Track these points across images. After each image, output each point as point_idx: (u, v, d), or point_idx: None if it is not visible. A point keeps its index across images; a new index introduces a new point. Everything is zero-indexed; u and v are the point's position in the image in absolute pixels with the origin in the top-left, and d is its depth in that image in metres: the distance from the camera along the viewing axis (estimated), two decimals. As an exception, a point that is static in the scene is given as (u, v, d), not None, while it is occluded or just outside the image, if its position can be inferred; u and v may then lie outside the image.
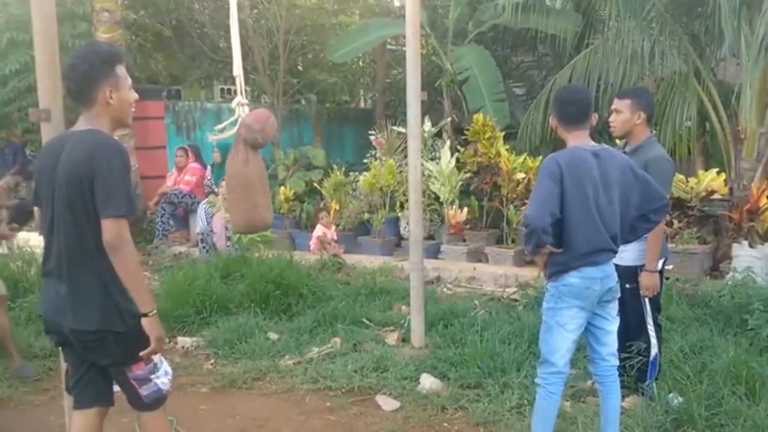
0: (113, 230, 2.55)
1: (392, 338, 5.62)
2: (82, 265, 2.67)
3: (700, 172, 7.63)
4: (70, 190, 2.62)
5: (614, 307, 3.50)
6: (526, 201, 8.11)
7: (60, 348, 2.99)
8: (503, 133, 8.84)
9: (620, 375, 4.10)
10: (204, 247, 8.49)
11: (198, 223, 8.77)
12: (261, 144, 4.37)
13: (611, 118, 4.18)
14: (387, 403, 4.43)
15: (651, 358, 4.10)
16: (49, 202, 2.71)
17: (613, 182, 3.32)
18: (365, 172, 9.64)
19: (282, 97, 12.48)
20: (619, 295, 3.52)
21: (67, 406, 3.39)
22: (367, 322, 5.99)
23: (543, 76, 11.97)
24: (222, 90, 14.13)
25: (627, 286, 4.08)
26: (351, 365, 4.93)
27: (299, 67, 13.66)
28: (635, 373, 4.11)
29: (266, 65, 12.22)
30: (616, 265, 4.06)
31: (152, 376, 2.82)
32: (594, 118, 3.47)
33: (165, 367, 2.89)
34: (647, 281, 4.03)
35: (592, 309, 3.40)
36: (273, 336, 5.68)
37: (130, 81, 2.81)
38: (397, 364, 4.90)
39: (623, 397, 4.18)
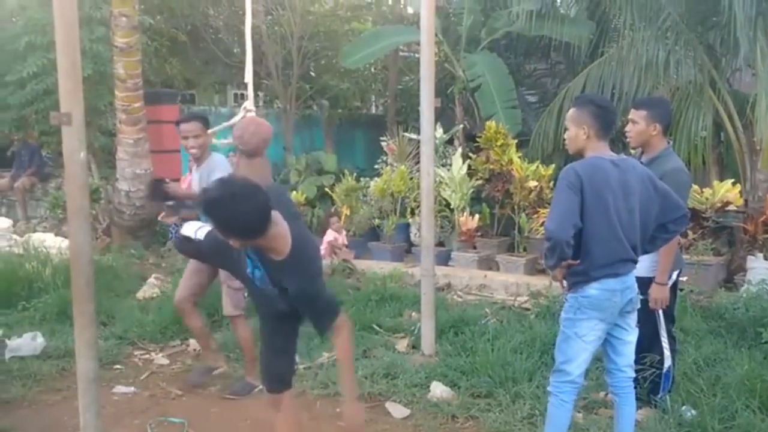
0: None
1: (402, 345, 5.62)
2: None
3: (715, 182, 7.59)
4: None
5: (634, 318, 3.48)
6: (538, 209, 8.10)
7: None
8: (516, 141, 8.84)
9: (634, 387, 4.10)
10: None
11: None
12: (243, 150, 4.43)
13: (627, 129, 4.17)
14: (397, 410, 4.43)
15: (664, 370, 4.08)
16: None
17: (632, 192, 3.31)
18: (376, 178, 9.65)
19: (294, 102, 12.53)
20: (639, 305, 3.51)
21: (81, 406, 3.41)
22: (377, 328, 5.99)
23: (556, 84, 11.95)
24: (236, 95, 14.21)
25: (640, 297, 4.08)
26: (361, 371, 4.93)
27: (312, 73, 13.71)
28: (648, 385, 4.10)
29: (279, 71, 12.28)
30: None
31: None
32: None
33: None
34: (657, 294, 4.01)
35: (613, 321, 3.38)
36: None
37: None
38: (407, 371, 4.90)
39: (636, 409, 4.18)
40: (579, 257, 3.29)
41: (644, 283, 4.04)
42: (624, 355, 3.48)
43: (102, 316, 5.97)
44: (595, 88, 8.65)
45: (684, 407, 4.05)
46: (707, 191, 7.30)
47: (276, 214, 2.69)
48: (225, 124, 4.45)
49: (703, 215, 7.13)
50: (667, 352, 4.09)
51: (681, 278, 4.45)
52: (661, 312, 4.07)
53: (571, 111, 3.49)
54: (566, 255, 3.23)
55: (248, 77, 4.60)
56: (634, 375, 3.53)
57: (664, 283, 4.00)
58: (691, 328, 5.43)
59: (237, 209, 2.51)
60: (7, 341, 5.38)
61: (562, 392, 3.40)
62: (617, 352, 3.49)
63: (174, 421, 4.31)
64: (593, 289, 3.30)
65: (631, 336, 3.48)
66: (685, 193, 4.14)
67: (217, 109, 12.48)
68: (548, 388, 3.50)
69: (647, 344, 4.11)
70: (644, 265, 4.02)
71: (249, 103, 4.62)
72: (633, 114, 4.14)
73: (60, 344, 5.42)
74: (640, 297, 4.03)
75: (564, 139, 3.61)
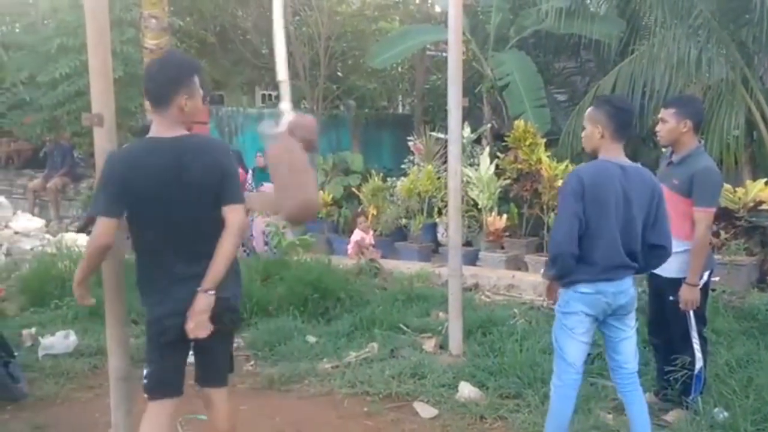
0: (240, 213, 2.94)
1: (430, 345, 5.61)
2: (211, 250, 2.89)
3: (748, 181, 7.46)
4: (209, 185, 2.89)
5: (631, 318, 3.50)
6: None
7: (169, 347, 3.01)
8: (545, 140, 8.77)
9: (665, 388, 4.06)
10: (244, 251, 8.57)
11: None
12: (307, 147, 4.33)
13: (658, 128, 4.12)
14: (425, 410, 4.42)
15: (696, 371, 4.02)
16: (168, 200, 2.88)
17: (636, 199, 3.32)
18: (403, 178, 9.65)
19: (321, 102, 12.57)
20: (635, 306, 3.50)
21: (113, 404, 3.45)
22: (405, 328, 5.98)
23: (586, 83, 11.85)
24: (264, 95, 14.28)
25: (671, 298, 4.02)
26: (388, 371, 4.93)
27: (339, 73, 13.75)
28: (680, 386, 4.05)
29: (307, 71, 12.33)
30: (659, 276, 4.02)
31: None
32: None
33: None
34: (687, 295, 3.95)
35: (602, 318, 3.41)
36: (311, 339, 5.71)
37: (202, 92, 3.03)
38: (435, 371, 4.89)
39: (666, 411, 4.13)
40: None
41: (674, 284, 4.00)
42: (623, 353, 3.49)
43: (133, 314, 6.02)
44: (626, 86, 8.56)
45: (716, 409, 3.99)
46: (740, 191, 7.18)
47: None
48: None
49: (736, 215, 7.02)
50: (698, 354, 4.03)
51: (713, 279, 4.38)
52: (692, 313, 4.01)
53: (590, 110, 3.51)
54: (569, 267, 3.28)
55: (283, 75, 4.54)
56: (636, 368, 3.52)
57: (695, 284, 3.95)
58: (723, 329, 5.34)
59: None
60: (40, 339, 5.47)
61: (565, 384, 3.44)
62: (616, 351, 3.50)
63: (203, 419, 4.33)
64: (585, 288, 3.33)
65: (628, 334, 3.48)
66: (716, 193, 4.08)
67: (245, 110, 12.56)
68: (552, 382, 3.53)
69: (678, 345, 4.06)
70: (674, 267, 3.97)
71: (286, 104, 4.46)
72: (663, 112, 4.09)
73: (92, 342, 5.49)
74: (671, 298, 3.99)
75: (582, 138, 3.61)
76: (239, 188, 3.03)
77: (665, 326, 4.19)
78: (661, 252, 3.48)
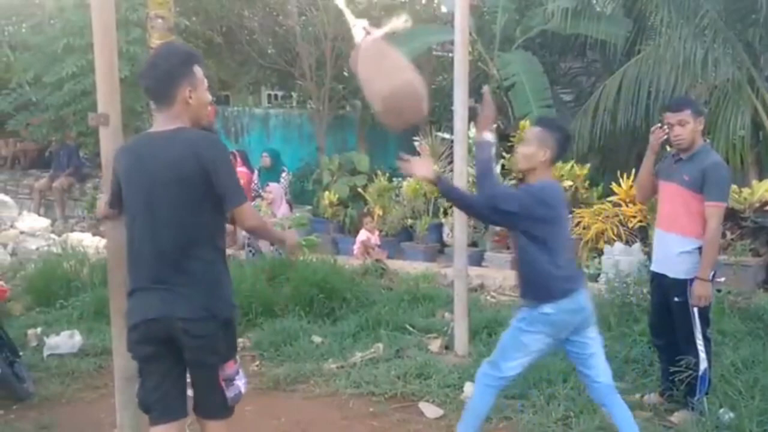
0: (249, 214, 2.78)
1: (435, 345, 5.60)
2: (192, 260, 2.72)
3: (754, 182, 7.45)
4: (180, 189, 2.67)
5: (592, 330, 3.48)
6: (573, 209, 8.01)
7: (146, 361, 2.87)
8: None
9: (670, 389, 4.05)
10: (250, 251, 8.58)
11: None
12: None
13: (676, 133, 4.01)
14: (430, 410, 4.42)
15: (700, 372, 4.01)
16: (142, 201, 2.73)
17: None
18: (409, 178, 9.63)
19: (328, 103, 12.57)
20: (594, 319, 3.50)
21: (118, 404, 3.46)
22: (410, 328, 5.97)
23: (592, 83, 11.83)
24: (270, 96, 14.29)
25: (676, 299, 4.01)
26: (394, 371, 4.93)
27: (345, 73, 13.73)
28: (684, 387, 4.03)
29: (313, 71, 12.33)
30: (665, 277, 4.01)
31: (236, 377, 2.88)
32: None
33: (241, 370, 2.96)
34: (701, 290, 3.92)
35: (565, 336, 3.42)
36: (317, 339, 5.71)
37: (206, 82, 2.85)
38: (441, 372, 4.88)
39: (671, 411, 4.12)
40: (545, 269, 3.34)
41: (680, 285, 3.99)
42: (594, 367, 3.47)
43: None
44: (632, 86, 8.56)
45: (722, 410, 3.98)
46: (746, 191, 7.17)
47: None
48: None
49: (742, 215, 7.00)
50: (702, 355, 4.01)
51: (718, 279, 4.37)
52: (697, 314, 4.00)
53: (538, 130, 3.51)
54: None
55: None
56: (610, 381, 3.49)
57: (708, 279, 3.92)
58: (729, 329, 5.32)
59: None
60: (46, 339, 5.48)
61: (490, 384, 3.49)
62: (587, 366, 3.49)
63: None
64: (549, 309, 3.32)
65: (594, 347, 3.47)
66: (726, 188, 4.07)
67: (251, 110, 12.57)
68: (480, 375, 3.56)
69: (683, 347, 4.04)
70: (683, 267, 3.96)
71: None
72: (679, 116, 4.00)
73: (97, 342, 5.50)
74: (676, 299, 3.98)
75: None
76: (238, 186, 2.78)
77: (669, 327, 4.18)
78: None
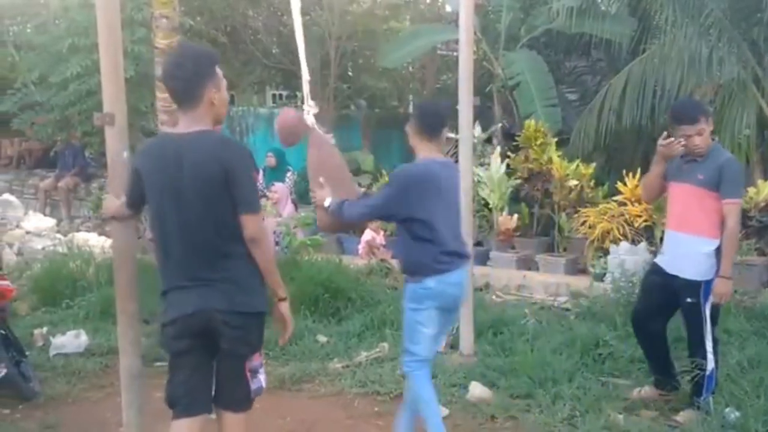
0: (255, 224, 2.77)
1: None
2: (225, 256, 2.80)
3: (759, 181, 7.42)
4: (208, 190, 2.73)
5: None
6: (578, 208, 8.01)
7: (180, 355, 2.92)
8: (555, 139, 8.74)
9: (675, 389, 4.05)
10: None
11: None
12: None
13: (696, 143, 3.95)
14: (435, 409, 4.41)
15: (707, 372, 4.00)
16: (174, 201, 2.78)
17: (456, 192, 3.72)
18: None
19: (332, 102, 12.57)
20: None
21: (124, 403, 3.46)
22: (416, 328, 5.96)
23: (597, 82, 11.80)
24: (274, 95, 14.29)
25: (688, 300, 3.98)
26: (399, 370, 4.91)
27: (350, 73, 13.75)
28: (691, 387, 4.03)
29: (317, 71, 12.33)
30: (677, 278, 3.99)
31: (260, 370, 2.96)
32: (445, 133, 3.70)
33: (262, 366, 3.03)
34: (723, 288, 3.91)
35: (453, 309, 3.70)
36: (322, 339, 5.71)
37: (225, 81, 2.89)
38: (446, 371, 4.88)
39: (677, 411, 4.12)
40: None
41: (693, 287, 3.96)
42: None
43: (144, 313, 6.05)
44: (637, 85, 8.53)
45: (727, 409, 3.97)
46: (751, 190, 7.14)
47: None
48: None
49: (747, 215, 6.96)
50: (710, 355, 4.01)
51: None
52: (708, 314, 3.99)
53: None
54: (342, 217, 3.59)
55: (306, 75, 4.56)
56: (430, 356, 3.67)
57: (729, 276, 3.91)
58: (735, 329, 5.31)
59: None
60: (52, 339, 5.50)
61: (416, 369, 3.59)
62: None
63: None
64: (431, 282, 3.48)
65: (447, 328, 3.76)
66: (742, 184, 4.07)
67: (256, 110, 12.57)
68: (404, 369, 3.67)
69: (692, 347, 4.04)
70: (698, 269, 3.93)
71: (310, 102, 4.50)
72: (696, 127, 3.94)
73: (103, 342, 5.51)
74: (688, 300, 3.95)
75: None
76: (255, 193, 2.90)
77: (656, 319, 4.23)
78: None
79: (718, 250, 3.92)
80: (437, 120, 3.64)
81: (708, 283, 3.95)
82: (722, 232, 3.92)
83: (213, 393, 2.96)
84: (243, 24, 13.23)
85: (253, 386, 2.94)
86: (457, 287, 3.60)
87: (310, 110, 4.47)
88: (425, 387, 3.60)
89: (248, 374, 2.91)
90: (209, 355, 2.90)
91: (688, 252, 4.00)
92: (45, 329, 5.80)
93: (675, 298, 4.10)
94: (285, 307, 2.95)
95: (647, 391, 4.37)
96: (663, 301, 4.20)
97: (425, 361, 3.62)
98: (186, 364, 2.91)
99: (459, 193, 3.89)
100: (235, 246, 2.78)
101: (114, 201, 3.28)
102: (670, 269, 4.13)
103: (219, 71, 2.83)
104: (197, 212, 2.76)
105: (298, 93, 13.56)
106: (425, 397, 3.59)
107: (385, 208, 3.59)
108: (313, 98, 4.32)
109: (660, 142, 4.06)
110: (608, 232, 7.39)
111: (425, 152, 3.61)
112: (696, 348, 4.03)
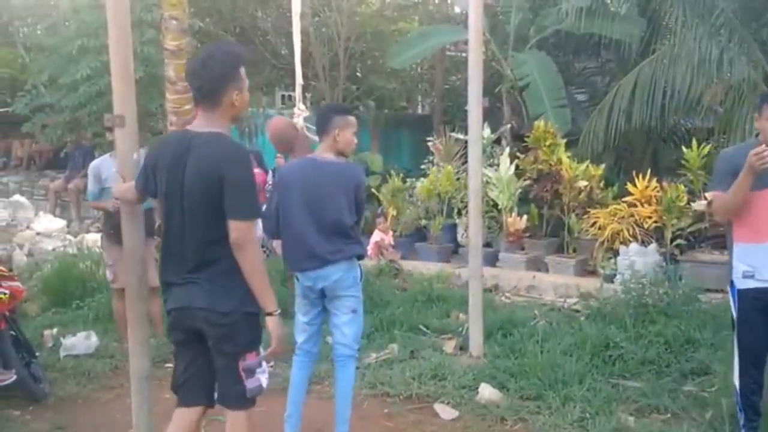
0: (239, 231, 2.74)
1: (450, 346, 5.59)
2: (216, 254, 2.81)
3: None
4: (203, 189, 2.77)
5: (344, 304, 3.89)
6: (588, 209, 7.98)
7: (177, 346, 3.06)
8: (565, 140, 8.71)
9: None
10: (265, 251, 8.59)
11: (259, 227, 8.85)
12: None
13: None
14: (445, 411, 4.41)
15: None
16: (177, 197, 2.83)
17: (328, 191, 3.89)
18: (423, 178, 9.61)
19: (341, 103, 12.57)
20: (349, 293, 3.89)
21: (134, 404, 3.47)
22: (425, 329, 5.97)
23: (606, 83, 11.76)
24: (283, 96, 14.30)
25: None
26: (409, 372, 4.92)
27: (358, 74, 13.75)
28: None
29: (326, 72, 12.35)
30: None
31: (258, 370, 2.95)
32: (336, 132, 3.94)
33: (265, 365, 3.02)
34: None
35: (315, 302, 3.93)
36: (330, 340, 5.69)
37: (247, 81, 2.90)
38: (456, 373, 4.87)
39: (687, 412, 4.06)
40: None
41: None
42: (336, 335, 3.97)
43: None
44: (647, 86, 8.48)
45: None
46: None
47: None
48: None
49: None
50: None
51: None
52: None
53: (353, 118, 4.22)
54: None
55: (298, 79, 4.66)
56: (349, 352, 3.95)
57: None
58: None
59: None
60: (62, 340, 5.51)
61: (297, 356, 4.03)
62: (332, 332, 4.00)
63: (224, 420, 4.35)
64: (300, 276, 3.89)
65: (340, 319, 3.91)
66: None
67: (265, 111, 12.58)
68: (351, 357, 3.99)
69: None
70: None
71: (300, 106, 4.68)
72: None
73: (113, 343, 5.53)
74: None
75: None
76: (247, 200, 2.80)
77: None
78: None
79: None
80: (320, 122, 3.99)
81: None
82: None
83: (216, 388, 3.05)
84: (252, 25, 13.26)
85: (249, 385, 2.93)
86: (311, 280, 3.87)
87: (300, 114, 4.64)
88: (298, 373, 4.08)
89: (242, 373, 2.89)
90: (204, 350, 2.95)
91: None
92: (55, 330, 5.82)
93: None
94: (273, 322, 2.86)
95: None
96: None
97: (302, 348, 4.10)
98: (183, 355, 3.02)
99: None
100: (225, 249, 2.78)
101: (123, 185, 3.33)
102: None
103: (243, 72, 2.85)
104: (193, 212, 2.81)
105: (306, 94, 13.58)
106: (294, 379, 4.06)
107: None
108: (322, 99, 4.43)
109: (753, 151, 3.35)
110: (618, 233, 7.36)
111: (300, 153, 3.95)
112: None
